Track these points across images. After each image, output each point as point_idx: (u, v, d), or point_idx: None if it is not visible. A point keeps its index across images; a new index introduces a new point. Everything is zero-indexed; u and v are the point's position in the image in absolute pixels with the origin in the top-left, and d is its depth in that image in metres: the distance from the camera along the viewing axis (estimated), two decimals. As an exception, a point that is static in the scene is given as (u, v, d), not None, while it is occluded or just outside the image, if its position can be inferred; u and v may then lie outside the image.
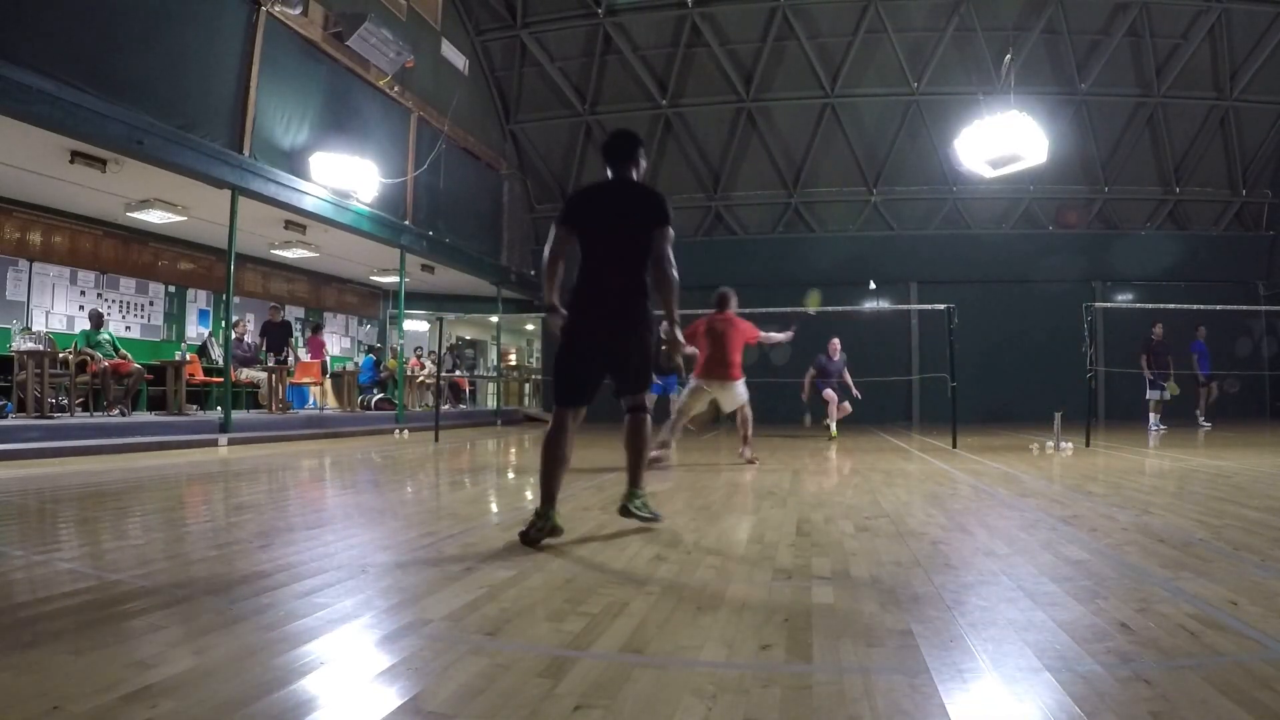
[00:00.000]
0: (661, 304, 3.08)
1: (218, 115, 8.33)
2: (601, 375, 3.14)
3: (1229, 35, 13.73)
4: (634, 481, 3.24)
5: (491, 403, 16.92)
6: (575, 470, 5.77)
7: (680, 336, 3.24)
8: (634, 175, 3.21)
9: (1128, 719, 1.31)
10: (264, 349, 11.12)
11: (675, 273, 3.04)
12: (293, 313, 13.89)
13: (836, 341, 10.41)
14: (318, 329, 13.30)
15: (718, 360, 6.23)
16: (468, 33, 14.84)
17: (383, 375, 13.53)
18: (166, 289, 11.37)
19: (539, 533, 2.86)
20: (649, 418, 3.24)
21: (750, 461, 6.29)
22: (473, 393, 17.11)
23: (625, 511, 3.22)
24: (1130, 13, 13.66)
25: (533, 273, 16.53)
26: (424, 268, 13.15)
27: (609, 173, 3.21)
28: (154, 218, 9.67)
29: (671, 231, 3.07)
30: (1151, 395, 10.64)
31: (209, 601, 2.07)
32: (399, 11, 12.12)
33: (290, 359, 11.40)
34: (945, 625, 1.86)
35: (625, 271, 3.06)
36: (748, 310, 13.90)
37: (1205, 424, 11.17)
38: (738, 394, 6.31)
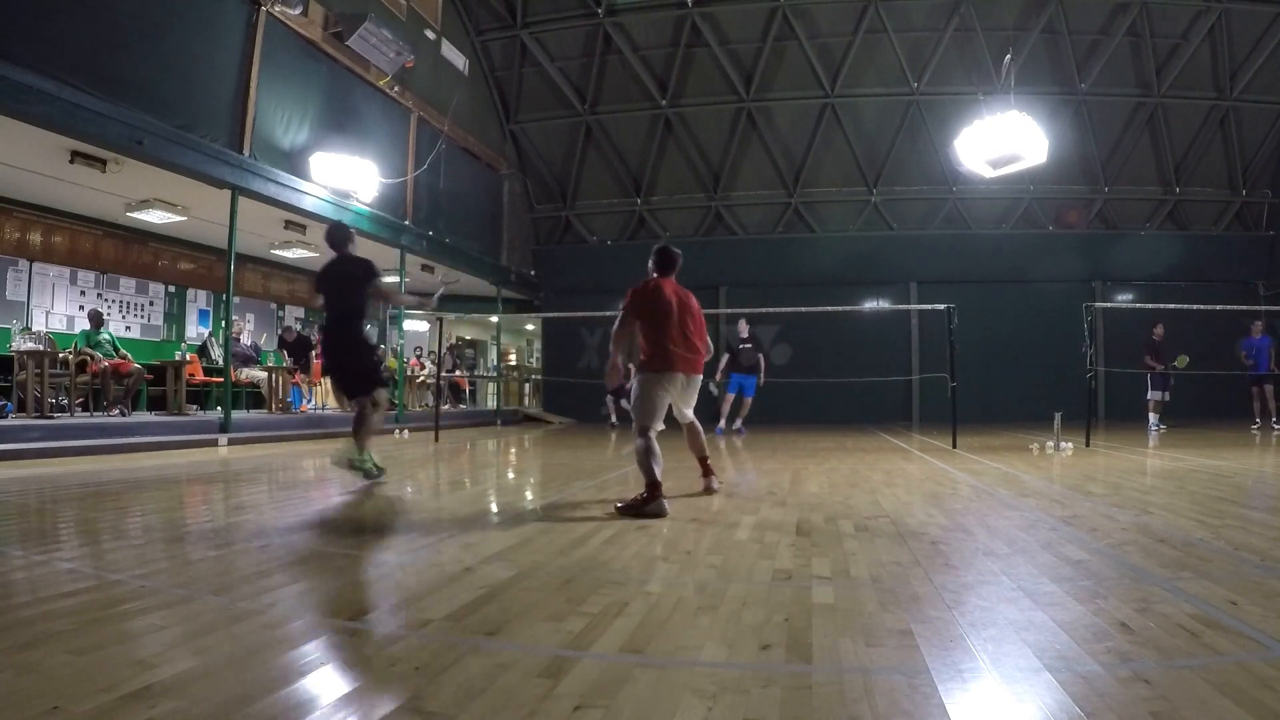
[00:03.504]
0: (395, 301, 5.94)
1: (218, 115, 8.33)
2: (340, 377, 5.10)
3: (1229, 35, 13.73)
4: (360, 448, 4.84)
5: (491, 403, 16.91)
6: (575, 471, 5.77)
7: (405, 300, 6.06)
8: (350, 250, 5.05)
9: (1128, 719, 1.31)
10: (286, 356, 11.55)
11: (394, 285, 5.50)
12: (292, 313, 13.91)
13: None
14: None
15: (677, 341, 4.19)
16: (468, 33, 14.83)
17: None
18: (166, 289, 11.37)
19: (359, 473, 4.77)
20: (370, 405, 4.89)
21: (711, 490, 4.46)
22: (472, 393, 17.11)
23: (350, 465, 4.76)
24: (1130, 13, 13.66)
25: (532, 273, 16.54)
26: (424, 268, 13.15)
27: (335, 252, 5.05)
28: (154, 218, 9.67)
29: (379, 281, 4.95)
30: (1152, 395, 10.62)
31: (209, 601, 2.07)
32: (399, 11, 12.12)
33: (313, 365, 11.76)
34: (945, 625, 1.86)
35: (345, 315, 4.87)
36: (746, 310, 14.01)
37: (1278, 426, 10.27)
38: (695, 394, 4.42)
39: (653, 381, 4.19)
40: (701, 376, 4.35)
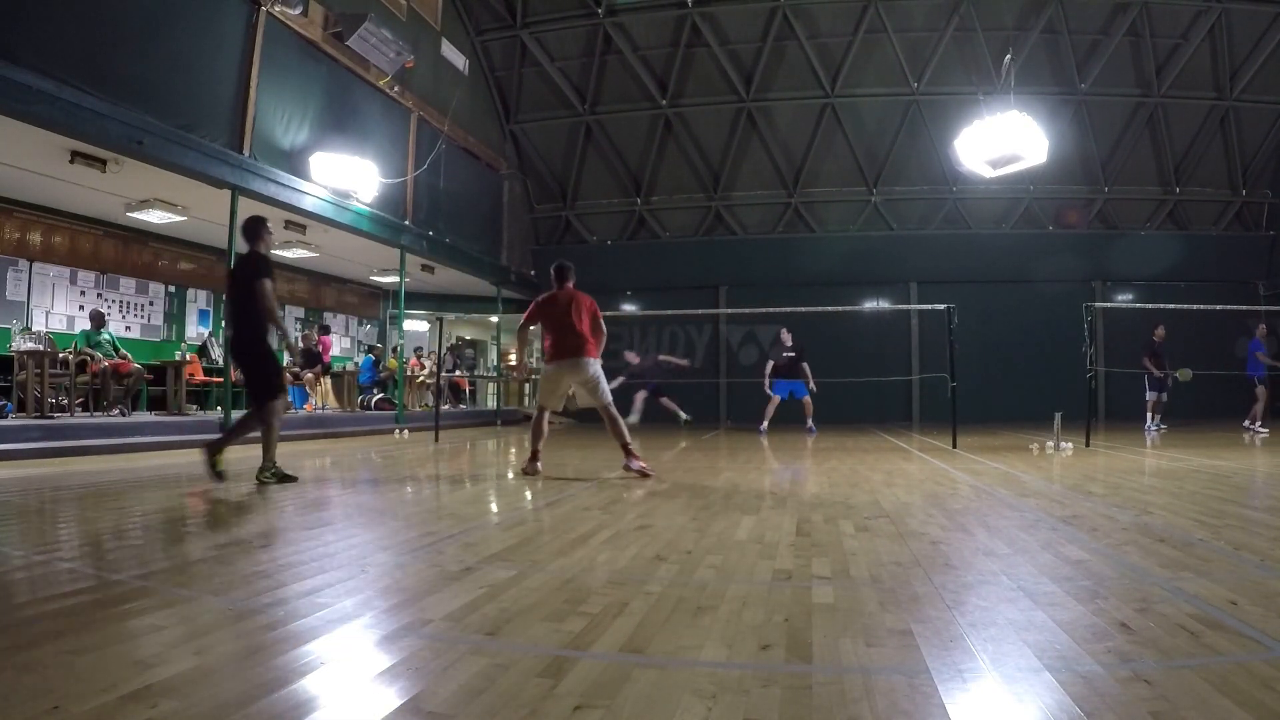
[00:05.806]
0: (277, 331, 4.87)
1: (218, 115, 8.33)
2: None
3: (1229, 35, 13.73)
4: (266, 454, 4.77)
5: (491, 403, 16.92)
6: (575, 471, 5.77)
7: (292, 342, 5.05)
8: (259, 247, 4.82)
9: (1127, 719, 1.31)
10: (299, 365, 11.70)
11: (271, 304, 4.65)
12: (293, 313, 13.91)
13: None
14: (325, 330, 13.42)
15: (564, 336, 5.28)
16: (468, 33, 14.83)
17: (383, 375, 13.54)
18: (166, 289, 11.37)
19: None
20: (277, 404, 4.84)
21: (643, 474, 5.14)
22: (472, 393, 17.11)
23: (260, 482, 4.67)
24: (1130, 13, 13.66)
25: (533, 273, 16.54)
26: (424, 268, 13.15)
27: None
28: (154, 218, 9.67)
29: (267, 283, 4.61)
30: (1150, 396, 10.62)
31: (209, 601, 2.07)
32: (399, 11, 12.12)
33: (319, 368, 11.99)
34: (945, 625, 1.86)
35: (242, 314, 4.73)
36: (746, 310, 13.91)
37: (1260, 430, 9.96)
38: (592, 375, 5.28)
39: (548, 372, 5.39)
40: (585, 359, 5.24)
